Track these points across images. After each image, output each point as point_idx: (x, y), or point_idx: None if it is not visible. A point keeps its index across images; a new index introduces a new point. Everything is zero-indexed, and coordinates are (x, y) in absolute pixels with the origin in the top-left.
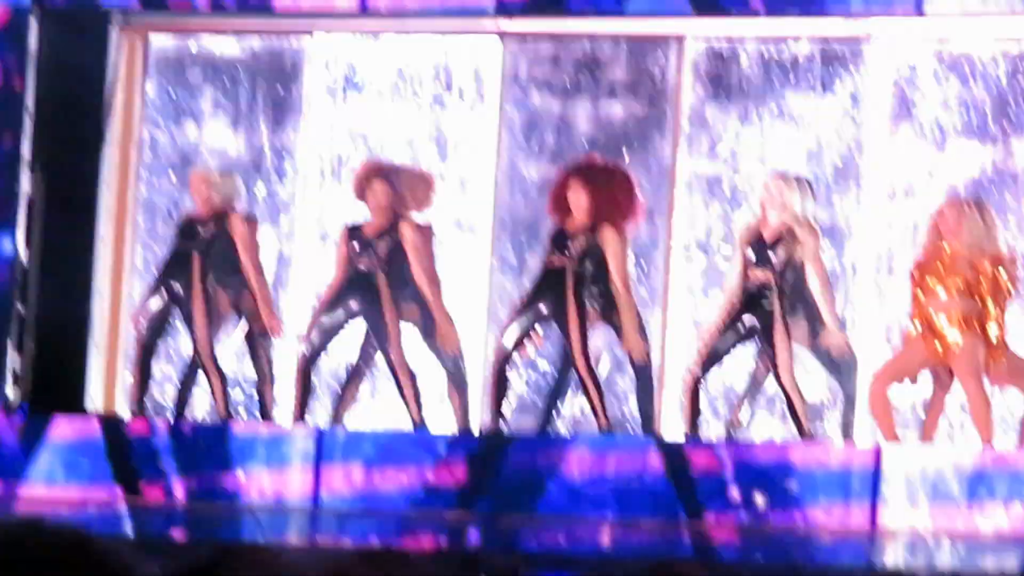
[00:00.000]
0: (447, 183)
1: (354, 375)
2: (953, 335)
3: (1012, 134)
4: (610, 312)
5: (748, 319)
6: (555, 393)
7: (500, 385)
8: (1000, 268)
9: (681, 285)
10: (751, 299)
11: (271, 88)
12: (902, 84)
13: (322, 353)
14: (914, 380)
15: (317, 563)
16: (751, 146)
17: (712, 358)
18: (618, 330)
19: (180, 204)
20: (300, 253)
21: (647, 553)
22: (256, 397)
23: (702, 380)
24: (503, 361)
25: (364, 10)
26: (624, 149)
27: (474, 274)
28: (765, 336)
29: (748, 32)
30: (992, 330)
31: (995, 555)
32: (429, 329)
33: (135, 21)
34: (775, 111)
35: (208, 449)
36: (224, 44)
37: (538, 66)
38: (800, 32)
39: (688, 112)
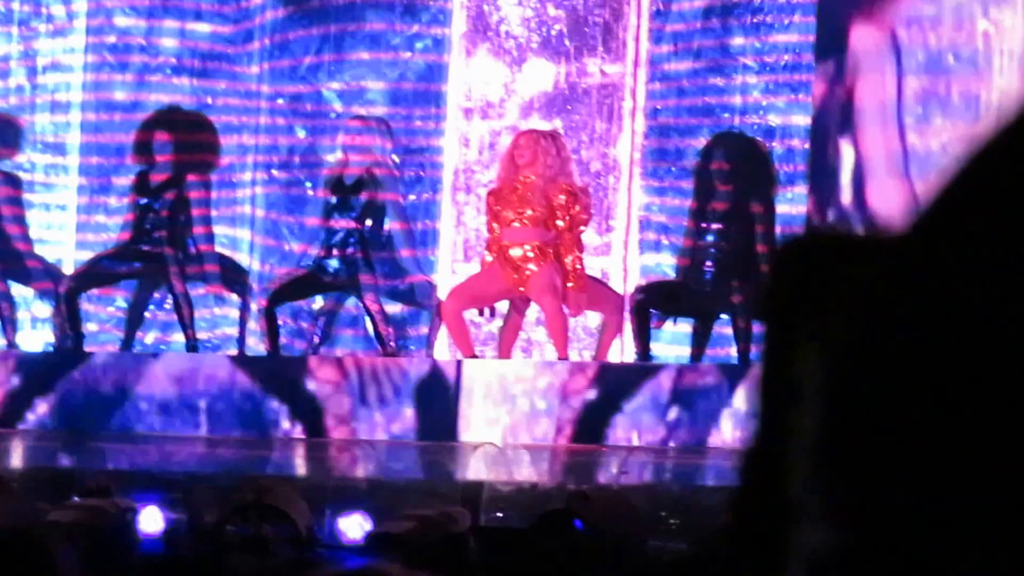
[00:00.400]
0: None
1: None
2: (528, 265)
3: (585, 52)
4: None
5: (332, 264)
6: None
7: None
8: (573, 198)
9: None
10: (334, 244)
11: None
12: (478, 3)
13: None
14: (490, 307)
15: None
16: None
17: (287, 294)
18: None
19: None
20: None
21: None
22: None
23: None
24: None
25: None
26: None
27: (63, 195)
28: (350, 277)
29: None
30: (567, 260)
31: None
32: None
33: None
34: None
35: None
36: None
37: None
38: None
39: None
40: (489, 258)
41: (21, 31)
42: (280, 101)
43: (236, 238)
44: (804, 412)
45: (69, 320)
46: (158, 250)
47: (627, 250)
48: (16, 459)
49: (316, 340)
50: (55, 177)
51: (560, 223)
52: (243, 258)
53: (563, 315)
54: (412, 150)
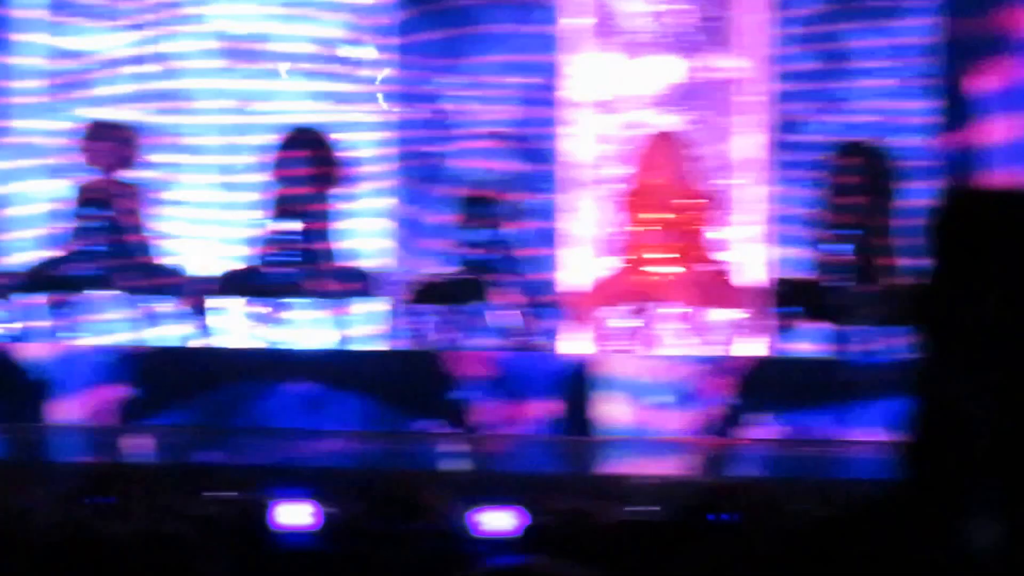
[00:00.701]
0: None
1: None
2: (659, 267)
3: (711, 47)
4: None
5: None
6: None
7: None
8: (699, 200)
9: None
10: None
11: None
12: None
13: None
14: (632, 305)
15: (50, 480)
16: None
17: (426, 296)
18: None
19: None
20: (22, 172)
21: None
22: None
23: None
24: None
25: None
26: None
27: (189, 194)
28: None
29: None
30: (697, 259)
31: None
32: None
33: None
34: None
35: None
36: None
37: None
38: None
39: None
40: (620, 264)
41: (142, 32)
42: (405, 102)
43: (371, 233)
44: (982, 359)
45: (206, 318)
46: (294, 261)
47: (757, 245)
48: (153, 454)
49: (456, 335)
50: (183, 176)
51: (688, 225)
52: (381, 257)
53: (696, 313)
54: (537, 150)
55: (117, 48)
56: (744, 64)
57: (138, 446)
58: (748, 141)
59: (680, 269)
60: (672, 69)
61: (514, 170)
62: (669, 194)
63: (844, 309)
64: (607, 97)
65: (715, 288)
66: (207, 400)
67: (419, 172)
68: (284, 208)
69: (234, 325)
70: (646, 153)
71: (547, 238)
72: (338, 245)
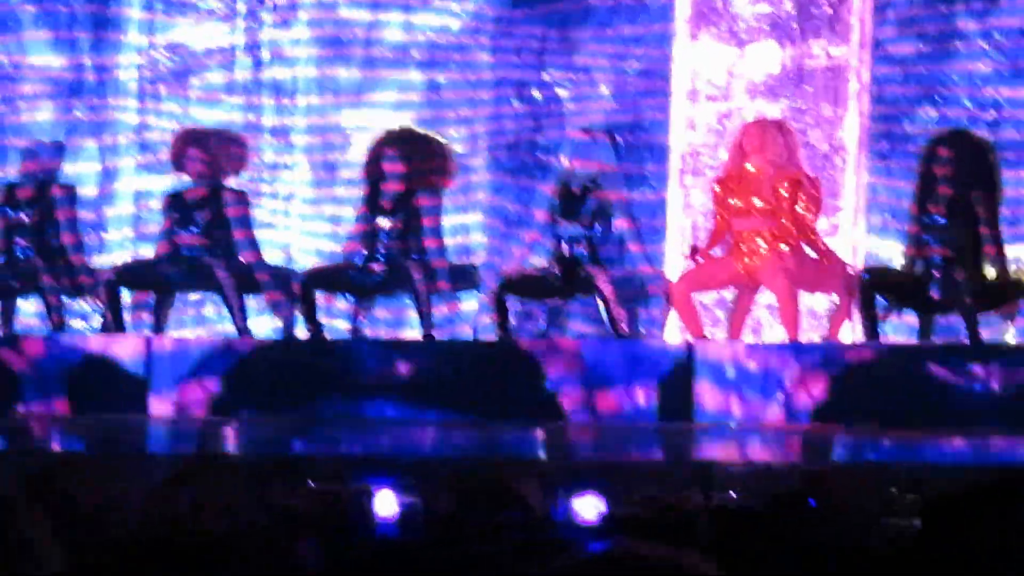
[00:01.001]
0: None
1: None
2: (757, 252)
3: (811, 35)
4: None
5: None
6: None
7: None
8: (798, 186)
9: None
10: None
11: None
12: None
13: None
14: (716, 289)
15: (145, 472)
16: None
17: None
18: None
19: (2, 127)
20: (122, 169)
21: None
22: None
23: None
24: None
25: None
26: None
27: (290, 187)
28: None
29: None
30: (797, 245)
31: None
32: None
33: None
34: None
35: None
36: None
37: None
38: None
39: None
40: (718, 249)
41: (246, 22)
42: (508, 90)
43: (467, 225)
44: None
45: (306, 314)
46: (392, 257)
47: (854, 232)
48: (249, 446)
49: (544, 325)
50: (283, 171)
51: (787, 211)
52: (475, 239)
53: (794, 300)
54: (641, 142)
55: (215, 41)
56: (846, 51)
57: (236, 437)
58: (850, 128)
59: (780, 255)
60: (775, 55)
61: (617, 162)
62: (769, 179)
63: (940, 298)
64: (712, 87)
65: (814, 274)
66: (306, 393)
67: (521, 165)
68: (382, 203)
69: (331, 319)
70: (746, 139)
71: (648, 229)
72: (435, 240)
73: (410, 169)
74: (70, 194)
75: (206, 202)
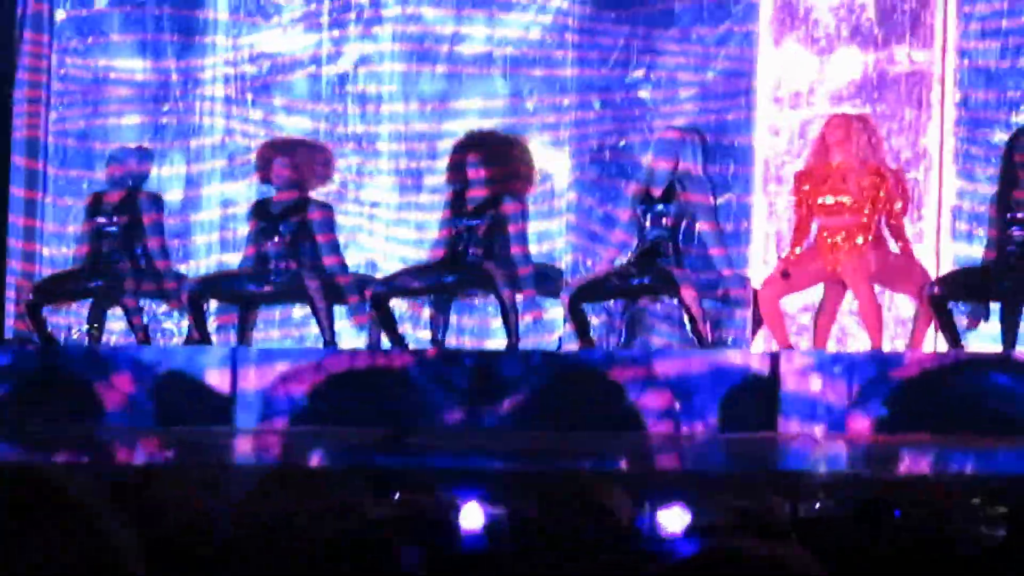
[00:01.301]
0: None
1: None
2: (841, 248)
3: (893, 41)
4: None
5: (644, 279)
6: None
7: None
8: (881, 180)
9: None
10: (646, 258)
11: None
12: None
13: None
14: (802, 290)
15: (232, 483)
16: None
17: (594, 294)
18: None
19: (90, 132)
20: (208, 174)
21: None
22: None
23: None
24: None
25: None
26: None
27: (375, 193)
28: (663, 289)
29: None
30: (879, 239)
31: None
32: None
33: None
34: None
35: None
36: None
37: None
38: None
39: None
40: (799, 249)
41: (331, 31)
42: (592, 95)
43: (550, 231)
44: None
45: (384, 324)
46: (476, 262)
47: (939, 239)
48: (339, 458)
49: (623, 335)
50: (367, 179)
51: (870, 206)
52: (558, 244)
53: (876, 302)
54: (724, 145)
55: (301, 48)
56: (929, 57)
57: (321, 449)
58: (932, 132)
59: (861, 251)
60: (857, 61)
61: (703, 163)
62: (853, 174)
63: (1012, 297)
64: (795, 92)
65: (897, 272)
66: (387, 402)
67: (606, 169)
68: (467, 208)
69: (416, 329)
70: (829, 132)
71: (726, 239)
72: (520, 247)
73: (494, 174)
74: (156, 201)
75: (292, 211)
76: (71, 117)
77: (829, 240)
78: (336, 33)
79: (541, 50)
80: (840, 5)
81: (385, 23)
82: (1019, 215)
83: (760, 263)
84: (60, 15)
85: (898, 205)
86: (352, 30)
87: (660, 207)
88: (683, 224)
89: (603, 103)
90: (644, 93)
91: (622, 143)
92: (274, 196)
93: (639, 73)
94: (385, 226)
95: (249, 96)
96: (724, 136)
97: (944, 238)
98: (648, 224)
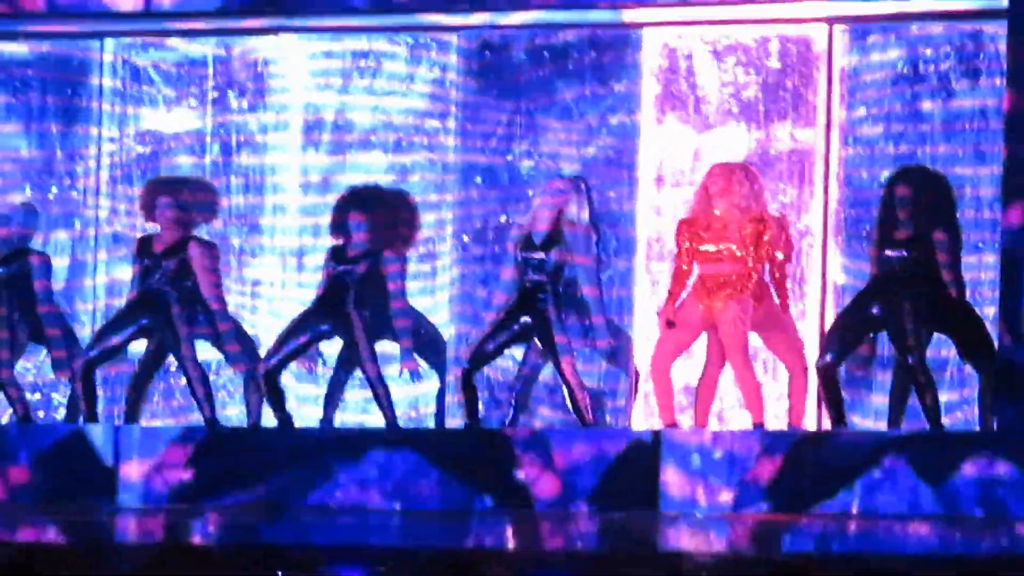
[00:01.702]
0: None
1: (142, 377)
2: (721, 294)
3: (776, 119)
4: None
5: (524, 319)
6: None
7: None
8: (762, 225)
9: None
10: (526, 300)
11: (61, 90)
12: (669, 72)
13: (103, 362)
14: (688, 349)
15: (114, 561)
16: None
17: (484, 355)
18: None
19: None
20: (95, 258)
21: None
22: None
23: (473, 374)
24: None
25: (147, 9)
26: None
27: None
28: (542, 336)
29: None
30: (762, 289)
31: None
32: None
33: None
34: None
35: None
36: (14, 47)
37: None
38: (569, 20)
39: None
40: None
41: (214, 108)
42: (475, 175)
43: (436, 305)
44: None
45: (272, 399)
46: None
47: (823, 317)
48: (222, 534)
49: (511, 413)
50: (250, 257)
51: (753, 254)
52: (439, 326)
53: (750, 369)
54: (603, 219)
55: (185, 126)
56: (813, 134)
57: (204, 526)
58: (815, 210)
59: (737, 305)
60: (740, 139)
61: (584, 214)
62: (735, 222)
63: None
64: (678, 169)
65: (773, 329)
66: (274, 480)
67: (483, 240)
68: (345, 256)
69: (300, 405)
70: (711, 182)
71: (607, 306)
72: (397, 300)
73: (375, 227)
74: (45, 262)
75: (174, 251)
76: None
77: (709, 287)
78: (220, 110)
79: (424, 128)
80: (722, 83)
81: (267, 99)
82: (895, 240)
83: (643, 339)
84: None
85: (779, 255)
86: (234, 107)
87: (540, 255)
88: (563, 272)
89: (487, 184)
90: (527, 167)
91: (502, 219)
92: (156, 235)
93: (521, 148)
94: (268, 303)
95: (136, 174)
96: (607, 208)
97: (828, 315)
98: (528, 270)
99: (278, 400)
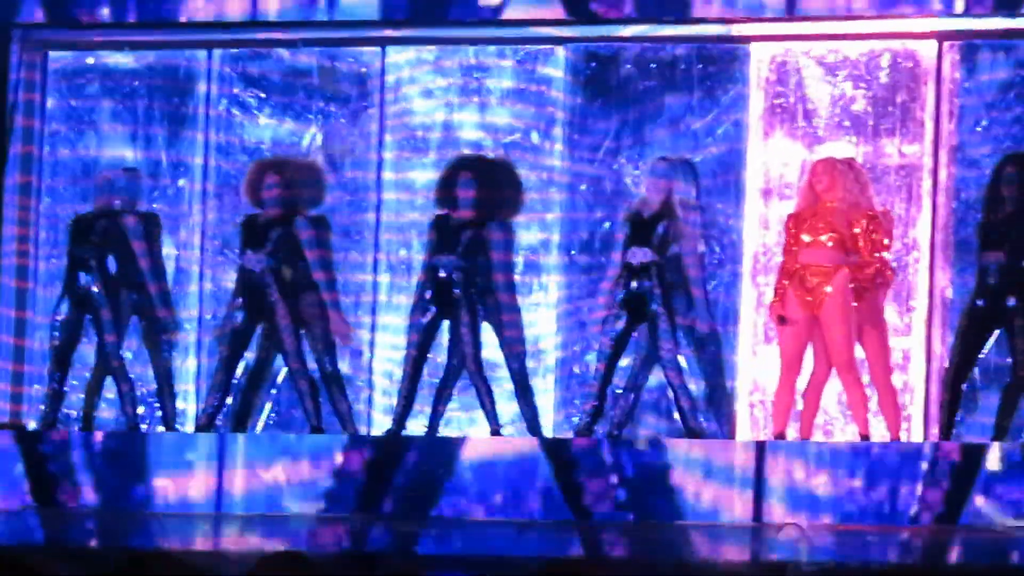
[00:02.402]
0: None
1: (254, 380)
2: (824, 287)
3: (884, 134)
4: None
5: (630, 327)
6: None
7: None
8: (874, 222)
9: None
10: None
11: (168, 100)
12: (777, 85)
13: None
14: (802, 354)
15: (223, 567)
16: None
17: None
18: (499, 329)
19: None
20: (196, 264)
21: (540, 553)
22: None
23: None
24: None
25: (254, 19)
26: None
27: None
28: (652, 341)
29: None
30: (867, 284)
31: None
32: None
33: (35, 37)
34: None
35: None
36: (122, 58)
37: (421, 72)
38: (679, 34)
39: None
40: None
41: (319, 119)
42: (582, 186)
43: (539, 319)
44: None
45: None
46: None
47: (930, 331)
48: (326, 542)
49: (617, 422)
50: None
51: (865, 247)
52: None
53: (856, 375)
54: (709, 228)
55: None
56: (920, 149)
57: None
58: (922, 224)
59: (842, 295)
60: (847, 154)
61: (691, 192)
62: (843, 215)
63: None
64: (787, 181)
65: (867, 321)
66: (380, 491)
67: (590, 251)
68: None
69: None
70: (814, 178)
71: (709, 305)
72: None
73: (481, 196)
74: (141, 222)
75: (278, 224)
76: (62, 204)
77: (812, 277)
78: (320, 124)
79: (530, 141)
80: (833, 98)
81: (373, 109)
82: (996, 241)
83: (748, 353)
84: (51, 103)
85: (886, 241)
86: (339, 117)
87: (649, 229)
88: (669, 249)
89: (595, 195)
90: (631, 180)
91: (607, 225)
92: (262, 214)
93: (628, 160)
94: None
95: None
96: (714, 221)
97: (935, 330)
98: (634, 247)
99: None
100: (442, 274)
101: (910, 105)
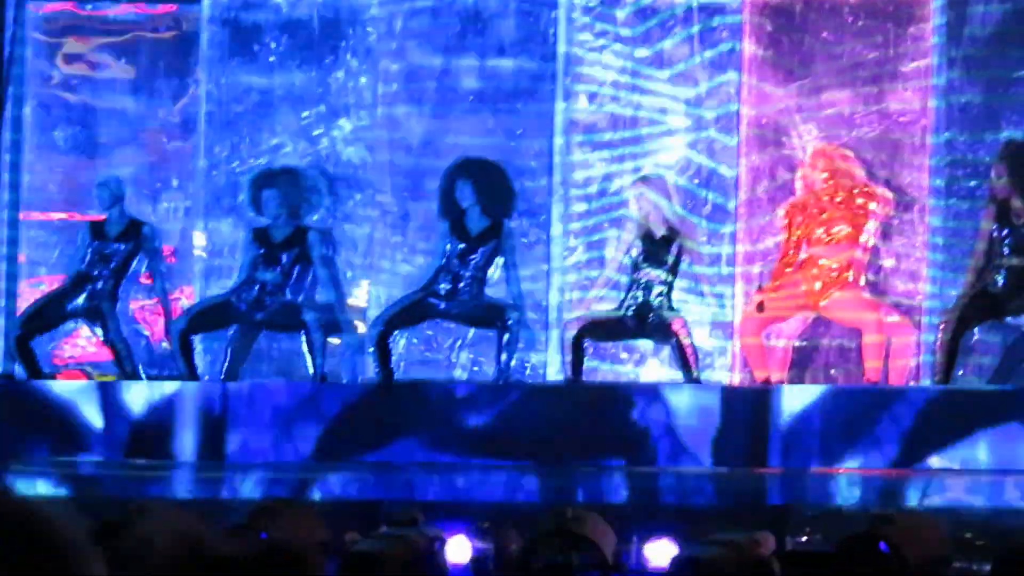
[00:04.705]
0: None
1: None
2: (829, 283)
3: (881, 82)
4: None
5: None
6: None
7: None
8: (871, 196)
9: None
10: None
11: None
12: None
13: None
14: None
15: (221, 516)
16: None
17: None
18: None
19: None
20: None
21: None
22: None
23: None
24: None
25: None
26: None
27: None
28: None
29: None
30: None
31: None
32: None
33: None
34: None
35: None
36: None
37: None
38: None
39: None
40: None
41: (318, 68)
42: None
43: (539, 274)
44: None
45: (380, 361)
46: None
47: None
48: (326, 490)
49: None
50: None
51: (869, 230)
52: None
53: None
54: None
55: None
56: (911, 97)
57: (310, 481)
58: (915, 172)
59: (850, 290)
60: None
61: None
62: (843, 208)
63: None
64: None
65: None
66: (379, 437)
67: (588, 201)
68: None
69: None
70: (815, 168)
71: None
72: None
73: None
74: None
75: (293, 241)
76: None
77: (816, 271)
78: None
79: (528, 90)
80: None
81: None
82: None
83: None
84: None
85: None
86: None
87: (661, 250)
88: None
89: (591, 144)
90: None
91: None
92: (271, 224)
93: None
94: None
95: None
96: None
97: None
98: (648, 267)
99: (384, 356)
100: None
101: (902, 53)
